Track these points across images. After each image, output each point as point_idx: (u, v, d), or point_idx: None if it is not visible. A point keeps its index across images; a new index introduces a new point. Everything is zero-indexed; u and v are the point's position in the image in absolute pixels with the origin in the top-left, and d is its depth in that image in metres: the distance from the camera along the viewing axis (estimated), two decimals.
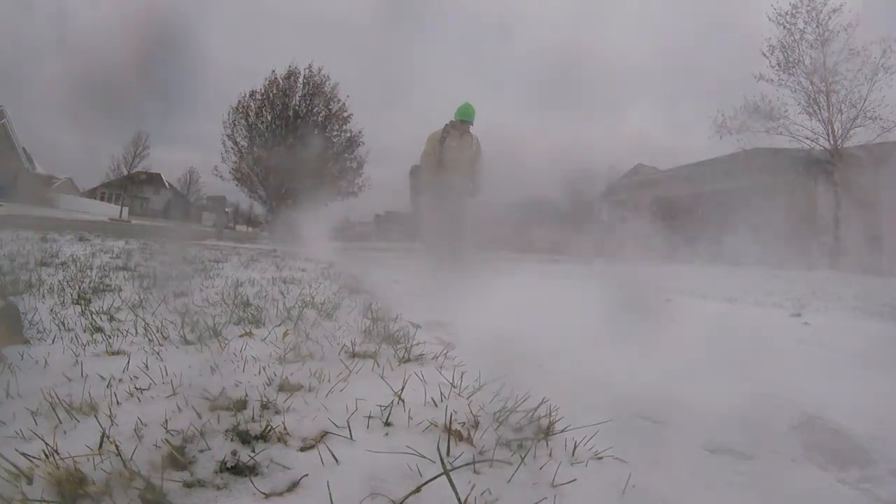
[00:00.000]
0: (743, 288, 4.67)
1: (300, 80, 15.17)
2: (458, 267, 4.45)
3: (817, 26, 11.34)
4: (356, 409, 0.98)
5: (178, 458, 0.76)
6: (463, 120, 4.89)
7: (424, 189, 4.92)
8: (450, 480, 0.71)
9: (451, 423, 0.93)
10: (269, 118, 14.76)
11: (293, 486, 0.74)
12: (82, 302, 1.90)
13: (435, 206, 4.87)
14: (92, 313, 1.68)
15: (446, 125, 4.89)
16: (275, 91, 14.93)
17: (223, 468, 0.76)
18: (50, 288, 2.09)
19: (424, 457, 0.81)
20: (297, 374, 1.16)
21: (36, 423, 0.85)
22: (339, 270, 3.78)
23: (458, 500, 0.70)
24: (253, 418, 0.92)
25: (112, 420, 0.86)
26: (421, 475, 0.77)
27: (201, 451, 0.79)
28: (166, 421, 0.86)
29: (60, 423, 0.86)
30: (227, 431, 0.85)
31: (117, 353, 1.27)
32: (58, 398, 0.91)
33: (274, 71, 15.15)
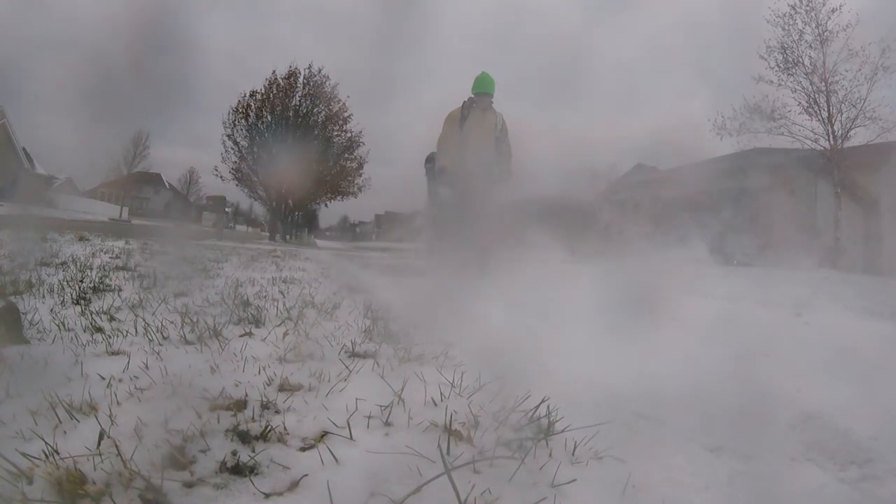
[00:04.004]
0: (743, 287, 4.67)
1: (300, 80, 15.17)
2: (484, 271, 3.83)
3: (816, 26, 11.34)
4: (356, 409, 0.98)
5: (178, 458, 0.76)
6: (482, 93, 4.18)
7: (442, 178, 4.19)
8: (450, 480, 0.71)
9: (451, 422, 0.93)
10: (269, 118, 14.77)
11: (293, 486, 0.74)
12: (82, 302, 1.90)
13: (455, 198, 4.14)
14: (92, 313, 1.68)
15: (465, 102, 4.22)
16: (275, 91, 14.93)
17: (223, 468, 0.76)
18: (50, 288, 2.09)
19: (425, 457, 0.81)
20: (297, 374, 1.16)
21: (36, 423, 0.85)
22: (337, 272, 3.78)
23: (459, 499, 0.70)
24: (253, 418, 0.92)
25: (112, 420, 0.85)
26: (421, 475, 0.77)
27: (201, 451, 0.79)
28: (166, 421, 0.86)
29: (60, 423, 0.86)
30: (227, 431, 0.85)
31: (117, 353, 1.27)
32: (58, 398, 0.91)
33: (274, 71, 15.16)
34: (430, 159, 4.39)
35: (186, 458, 0.77)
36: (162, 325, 1.53)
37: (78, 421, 0.87)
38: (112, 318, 1.65)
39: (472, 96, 4.24)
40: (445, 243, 4.22)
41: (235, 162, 15.30)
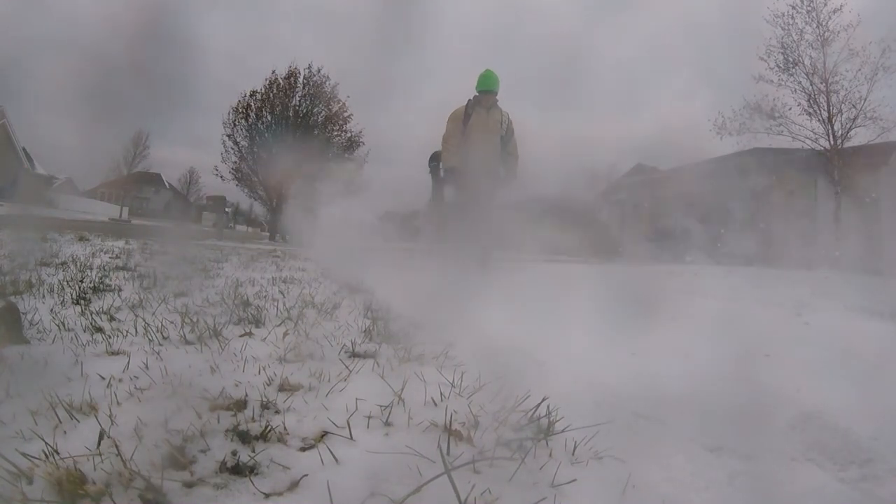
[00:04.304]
0: (743, 287, 4.67)
1: (300, 80, 15.17)
2: (486, 271, 3.75)
3: (817, 26, 11.34)
4: (356, 409, 0.98)
5: (178, 458, 0.76)
6: (486, 90, 4.07)
7: (447, 177, 4.07)
8: (450, 480, 0.71)
9: (451, 422, 0.93)
10: (269, 118, 14.76)
11: (293, 486, 0.74)
12: (82, 302, 1.90)
13: (459, 198, 4.03)
14: (92, 313, 1.68)
15: (469, 101, 4.12)
16: (275, 91, 14.93)
17: (223, 468, 0.76)
18: (50, 288, 2.09)
19: (425, 457, 0.81)
20: (297, 374, 1.16)
21: (36, 423, 0.85)
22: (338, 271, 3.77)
23: (459, 499, 0.70)
24: (253, 418, 0.92)
25: (112, 420, 0.86)
26: (421, 475, 0.77)
27: (201, 451, 0.79)
28: (166, 421, 0.86)
29: (60, 423, 0.86)
30: (227, 431, 0.85)
31: (117, 353, 1.27)
32: (58, 398, 0.91)
33: (274, 71, 15.16)
34: (434, 158, 4.28)
35: (186, 458, 0.77)
36: (162, 325, 1.53)
37: (78, 421, 0.87)
38: (112, 318, 1.65)
39: (477, 94, 4.12)
40: (450, 243, 4.12)
41: (235, 162, 15.31)
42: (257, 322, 1.73)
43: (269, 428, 0.87)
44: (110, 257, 3.59)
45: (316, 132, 14.90)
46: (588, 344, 1.66)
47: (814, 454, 1.07)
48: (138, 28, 1.58)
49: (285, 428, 0.88)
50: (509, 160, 4.14)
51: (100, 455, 0.74)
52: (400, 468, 0.79)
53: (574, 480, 0.81)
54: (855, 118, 11.12)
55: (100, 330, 1.48)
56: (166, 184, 37.25)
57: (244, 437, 0.84)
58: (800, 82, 11.58)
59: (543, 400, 1.02)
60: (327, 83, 15.36)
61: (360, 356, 1.40)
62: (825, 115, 11.38)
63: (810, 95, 11.49)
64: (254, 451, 0.80)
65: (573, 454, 0.91)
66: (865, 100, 10.96)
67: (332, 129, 15.73)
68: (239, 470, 0.76)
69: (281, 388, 1.08)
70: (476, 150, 3.97)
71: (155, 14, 1.61)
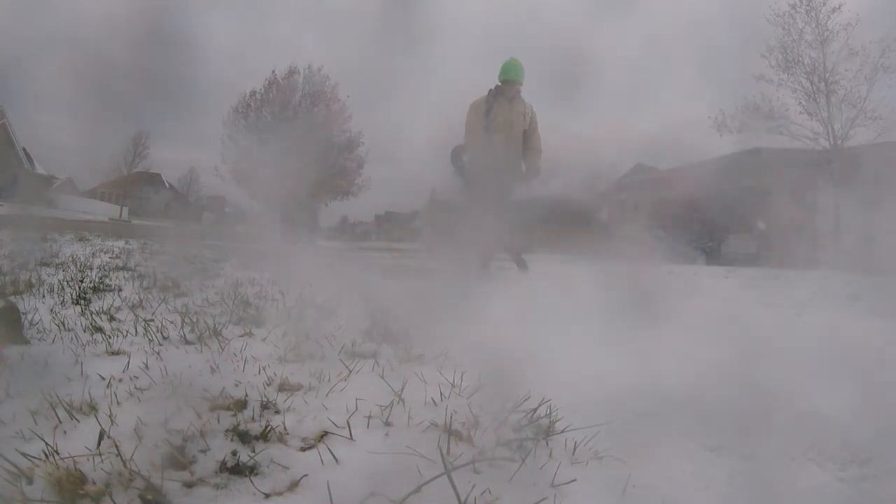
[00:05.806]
0: (743, 287, 4.67)
1: (300, 80, 15.19)
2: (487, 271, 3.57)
3: (816, 26, 11.33)
4: (356, 409, 0.98)
5: (178, 458, 0.76)
6: (509, 80, 3.85)
7: (473, 169, 3.88)
8: (450, 480, 0.71)
9: (451, 422, 0.93)
10: (269, 118, 14.78)
11: (293, 486, 0.74)
12: (82, 302, 1.90)
13: (480, 193, 3.84)
14: (92, 313, 1.68)
15: (490, 90, 3.93)
16: (275, 91, 14.94)
17: (223, 468, 0.76)
18: (50, 288, 2.09)
19: (425, 457, 0.81)
20: (297, 374, 1.16)
21: (36, 423, 0.85)
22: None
23: (459, 499, 0.70)
24: (253, 418, 0.92)
25: (112, 420, 0.86)
26: (421, 475, 0.77)
27: (201, 451, 0.79)
28: (166, 421, 0.86)
29: (60, 423, 0.86)
30: (227, 431, 0.85)
31: (117, 353, 1.27)
32: (58, 398, 0.91)
33: (274, 71, 15.18)
34: (456, 152, 4.03)
35: (186, 458, 0.77)
36: (162, 325, 1.53)
37: (78, 421, 0.87)
38: (112, 318, 1.65)
39: (499, 84, 3.92)
40: (480, 241, 3.91)
41: (236, 162, 15.32)
42: (257, 322, 1.73)
43: (269, 428, 0.87)
44: (110, 257, 3.59)
45: (316, 132, 14.90)
46: (587, 343, 1.65)
47: (814, 454, 1.07)
48: (139, 28, 1.58)
49: (285, 428, 0.88)
50: (531, 154, 3.96)
51: (100, 455, 0.74)
52: (400, 468, 0.79)
53: (574, 480, 0.81)
54: (855, 118, 11.12)
55: (100, 330, 1.48)
56: (166, 184, 37.18)
57: (244, 437, 0.84)
58: (800, 82, 11.58)
59: (543, 400, 1.02)
60: (327, 83, 15.37)
61: (360, 356, 1.40)
62: (825, 114, 11.38)
63: (810, 95, 11.49)
64: (254, 451, 0.80)
65: (573, 454, 0.91)
66: (865, 99, 10.95)
67: (332, 129, 15.73)
68: (239, 470, 0.76)
69: (281, 388, 1.08)
70: (497, 145, 3.80)
71: (156, 14, 1.61)
